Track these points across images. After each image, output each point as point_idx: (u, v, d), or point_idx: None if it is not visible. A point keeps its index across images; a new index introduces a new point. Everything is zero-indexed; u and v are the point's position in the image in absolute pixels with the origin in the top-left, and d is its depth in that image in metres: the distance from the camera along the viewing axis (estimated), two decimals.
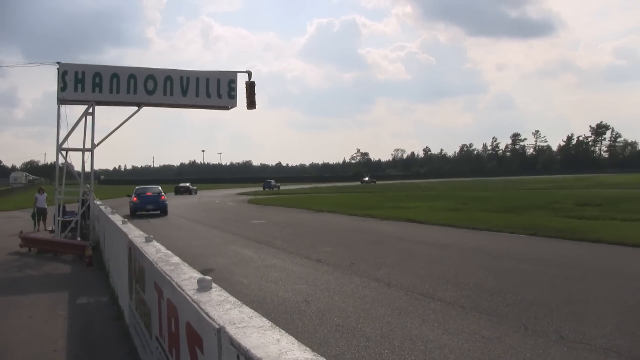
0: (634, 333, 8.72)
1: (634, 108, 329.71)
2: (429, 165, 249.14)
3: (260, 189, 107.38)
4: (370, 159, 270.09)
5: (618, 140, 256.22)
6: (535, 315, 9.90)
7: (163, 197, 42.79)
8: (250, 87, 23.15)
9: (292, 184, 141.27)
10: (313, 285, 13.04)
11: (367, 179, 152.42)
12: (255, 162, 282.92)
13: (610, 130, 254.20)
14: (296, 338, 2.77)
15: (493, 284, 12.90)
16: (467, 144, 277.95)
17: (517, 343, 8.28)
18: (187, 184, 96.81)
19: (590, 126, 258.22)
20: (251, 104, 23.21)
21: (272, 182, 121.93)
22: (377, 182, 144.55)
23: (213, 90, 23.27)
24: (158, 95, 22.82)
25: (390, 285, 12.78)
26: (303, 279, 13.87)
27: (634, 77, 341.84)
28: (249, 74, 23.27)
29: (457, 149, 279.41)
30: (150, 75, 22.87)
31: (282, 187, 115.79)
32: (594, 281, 13.24)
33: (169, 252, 6.36)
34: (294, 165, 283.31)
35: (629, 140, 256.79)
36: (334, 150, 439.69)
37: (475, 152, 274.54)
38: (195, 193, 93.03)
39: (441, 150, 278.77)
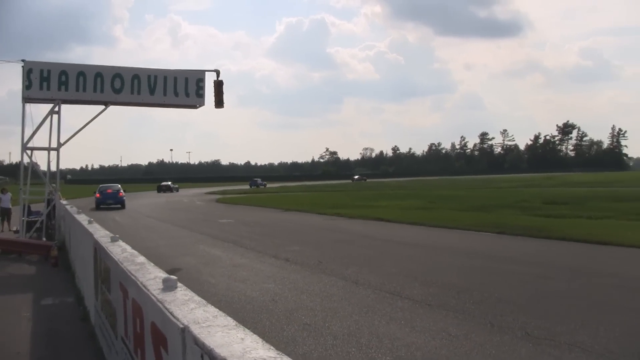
0: (597, 328, 8.82)
1: (599, 108, 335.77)
2: (397, 165, 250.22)
3: (229, 188, 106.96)
4: (339, 158, 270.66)
5: (584, 139, 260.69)
6: (501, 312, 9.97)
7: (121, 193, 50.47)
8: (218, 86, 23.01)
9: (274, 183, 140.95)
10: (281, 284, 13.02)
11: (357, 177, 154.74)
12: (224, 161, 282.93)
13: (576, 130, 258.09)
14: (263, 337, 2.76)
15: (460, 281, 12.97)
16: (436, 143, 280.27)
17: (484, 340, 8.34)
18: (169, 183, 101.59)
19: (557, 125, 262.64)
20: (219, 102, 23.07)
21: (259, 180, 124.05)
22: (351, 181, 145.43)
23: (181, 89, 23.12)
24: (125, 94, 22.62)
25: (358, 284, 12.80)
26: (271, 278, 13.83)
27: (600, 78, 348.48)
28: (217, 72, 23.14)
29: (426, 148, 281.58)
30: (117, 73, 22.65)
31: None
32: (559, 278, 13.38)
33: (135, 252, 6.32)
34: (263, 164, 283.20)
35: (595, 140, 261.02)
36: (303, 149, 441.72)
37: (443, 151, 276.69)
38: (177, 191, 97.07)
39: (410, 149, 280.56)
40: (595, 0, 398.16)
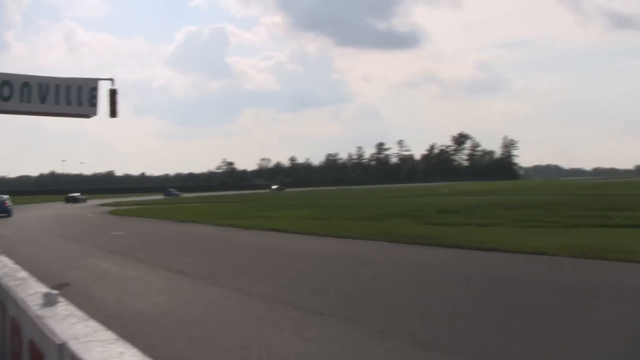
0: (484, 332, 9.13)
1: (492, 119, 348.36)
2: (294, 175, 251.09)
3: (124, 199, 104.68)
4: (236, 169, 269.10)
5: (477, 149, 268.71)
6: (392, 320, 10.14)
7: (7, 203, 53.18)
8: (113, 94, 22.59)
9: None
10: (173, 297, 12.90)
11: (276, 186, 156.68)
12: (119, 172, 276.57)
13: (470, 140, 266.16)
14: (152, 351, 2.78)
15: (353, 290, 13.15)
16: (333, 153, 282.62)
17: (373, 348, 8.46)
18: (77, 194, 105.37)
19: (451, 136, 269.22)
20: (113, 112, 22.66)
21: (173, 190, 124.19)
22: (248, 192, 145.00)
23: (73, 97, 22.47)
24: (14, 102, 21.79)
25: (251, 295, 12.77)
26: (163, 291, 13.66)
27: (494, 89, 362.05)
28: (112, 81, 22.73)
29: (323, 159, 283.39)
30: (6, 81, 21.80)
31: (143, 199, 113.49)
32: (449, 284, 13.78)
33: (17, 267, 6.15)
34: (159, 175, 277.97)
35: (488, 150, 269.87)
36: (200, 160, 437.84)
37: (340, 162, 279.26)
38: (85, 202, 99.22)
39: (307, 159, 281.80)
40: (490, 15, 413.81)
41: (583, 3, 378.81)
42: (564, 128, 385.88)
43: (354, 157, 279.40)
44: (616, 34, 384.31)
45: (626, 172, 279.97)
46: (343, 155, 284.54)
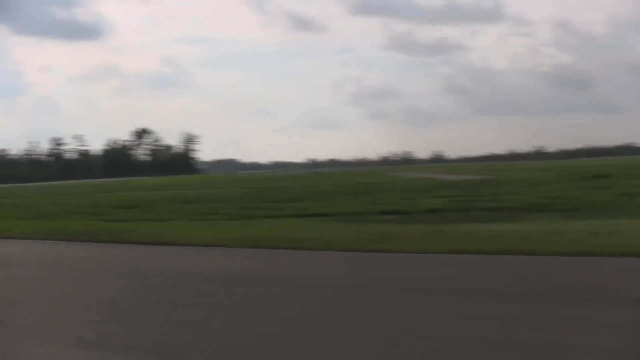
0: (152, 327, 9.10)
1: (173, 113, 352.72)
2: None
3: None
4: None
5: (158, 144, 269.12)
6: (55, 322, 9.72)
7: None
8: None
9: None
10: None
11: None
12: None
13: (151, 135, 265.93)
14: None
15: (12, 294, 12.33)
16: (3, 149, 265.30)
17: (30, 352, 8.07)
18: None
19: (132, 130, 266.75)
20: None
21: None
22: None
23: None
24: None
25: None
26: None
27: (176, 84, 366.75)
28: None
29: None
30: None
31: None
32: (120, 281, 13.60)
33: None
34: None
35: (169, 144, 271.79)
36: None
37: (11, 157, 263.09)
38: None
39: None
40: (178, 10, 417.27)
41: (267, 4, 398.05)
42: (244, 123, 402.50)
43: (28, 152, 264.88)
44: (296, 35, 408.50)
45: (300, 165, 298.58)
46: (15, 151, 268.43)
